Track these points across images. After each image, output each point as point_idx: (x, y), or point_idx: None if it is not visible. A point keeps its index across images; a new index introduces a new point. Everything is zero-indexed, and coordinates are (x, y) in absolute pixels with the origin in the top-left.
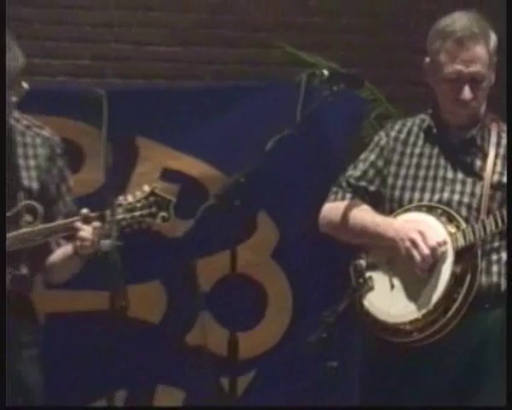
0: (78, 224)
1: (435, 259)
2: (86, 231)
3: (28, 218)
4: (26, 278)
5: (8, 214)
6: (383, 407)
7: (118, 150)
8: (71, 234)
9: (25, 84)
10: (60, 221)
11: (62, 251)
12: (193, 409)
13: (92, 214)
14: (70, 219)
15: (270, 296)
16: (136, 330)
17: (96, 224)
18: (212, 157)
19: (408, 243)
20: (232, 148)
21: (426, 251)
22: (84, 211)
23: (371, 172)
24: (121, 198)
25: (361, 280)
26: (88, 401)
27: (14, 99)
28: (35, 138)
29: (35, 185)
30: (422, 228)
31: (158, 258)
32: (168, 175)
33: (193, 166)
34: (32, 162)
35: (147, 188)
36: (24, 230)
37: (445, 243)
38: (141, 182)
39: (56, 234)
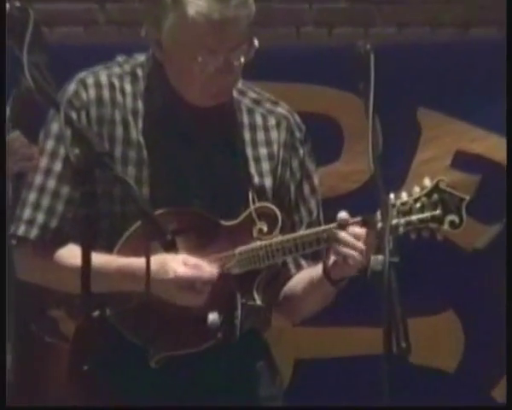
0: (335, 233)
1: None
2: (346, 244)
3: (262, 227)
4: (260, 310)
5: (234, 222)
6: (383, 407)
7: (391, 129)
8: (323, 249)
9: (255, 41)
10: (306, 231)
11: (308, 274)
12: (205, 409)
13: (355, 219)
14: (322, 228)
15: None
16: (423, 380)
17: (361, 232)
18: None
19: None
20: None
21: None
22: (343, 215)
23: None
24: (393, 197)
25: None
26: None
27: (241, 61)
28: (267, 118)
29: (268, 182)
30: None
31: (451, 279)
32: (463, 162)
33: (500, 148)
34: (263, 151)
35: (428, 182)
36: (258, 243)
37: None
38: (424, 172)
39: (301, 249)
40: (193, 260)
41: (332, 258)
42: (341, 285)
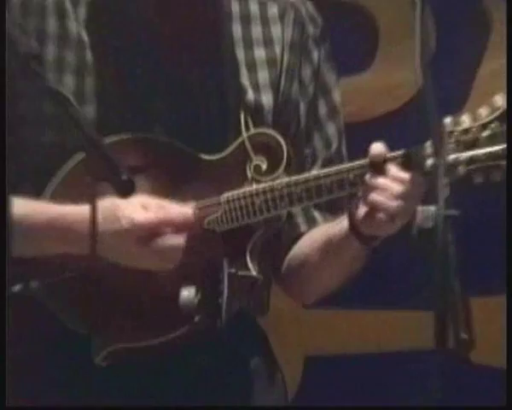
0: (366, 174)
1: None
2: (382, 189)
3: (259, 163)
4: (255, 284)
5: (220, 156)
6: (385, 407)
7: (446, 24)
8: (346, 195)
9: None
10: (324, 170)
11: (326, 231)
12: (205, 409)
13: (394, 154)
14: (347, 165)
15: None
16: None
17: (403, 173)
18: None
19: None
20: None
21: None
22: (378, 147)
23: None
24: (450, 122)
25: None
26: None
27: None
28: (266, 6)
29: (267, 99)
30: None
31: None
32: None
33: None
34: (260, 53)
35: (500, 100)
36: (254, 187)
37: None
38: (493, 88)
39: (316, 196)
40: (155, 201)
41: (362, 208)
42: (375, 244)
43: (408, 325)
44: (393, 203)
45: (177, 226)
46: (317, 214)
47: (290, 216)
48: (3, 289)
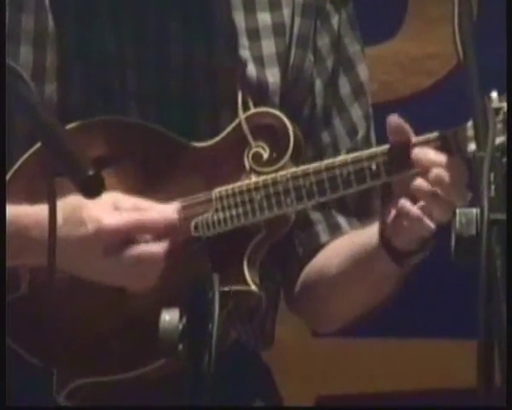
0: (390, 162)
1: None
2: (411, 182)
3: (260, 150)
4: (258, 303)
5: (211, 142)
6: (384, 408)
7: None
8: (379, 195)
9: None
10: (338, 158)
11: (351, 242)
12: (206, 409)
13: (426, 137)
14: (368, 152)
15: None
16: None
17: (437, 159)
18: None
19: None
20: None
21: None
22: (395, 122)
23: None
24: (496, 97)
25: None
26: None
27: None
28: None
29: (273, 75)
30: None
31: None
32: None
33: None
34: (264, 18)
35: None
36: (252, 179)
37: None
38: None
39: (330, 191)
40: (130, 200)
41: (393, 211)
42: (409, 263)
43: (443, 358)
44: (428, 200)
45: (158, 233)
46: (341, 220)
47: (309, 224)
48: (3, 290)
